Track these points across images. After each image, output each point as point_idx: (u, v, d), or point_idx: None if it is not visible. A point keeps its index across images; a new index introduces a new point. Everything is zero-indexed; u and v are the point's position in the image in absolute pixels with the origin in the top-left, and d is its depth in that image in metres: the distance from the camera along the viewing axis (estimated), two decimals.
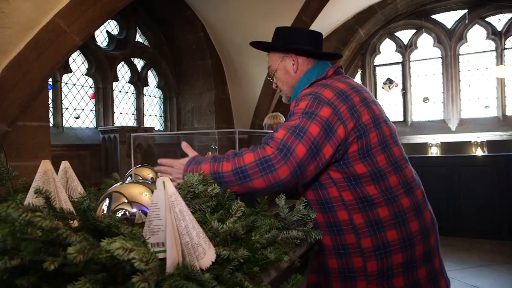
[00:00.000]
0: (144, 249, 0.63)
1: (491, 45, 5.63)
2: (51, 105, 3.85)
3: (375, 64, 6.33)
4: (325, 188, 1.25)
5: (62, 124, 4.03)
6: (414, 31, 6.07)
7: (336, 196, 1.23)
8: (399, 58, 6.17)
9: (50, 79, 3.76)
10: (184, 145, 1.35)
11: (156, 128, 5.24)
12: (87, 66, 4.37)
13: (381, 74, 6.29)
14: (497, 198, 4.82)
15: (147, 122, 5.18)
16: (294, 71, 1.43)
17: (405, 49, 6.11)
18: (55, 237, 0.63)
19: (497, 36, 5.55)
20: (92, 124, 4.43)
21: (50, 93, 3.85)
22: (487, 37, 5.64)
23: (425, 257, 1.25)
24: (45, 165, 0.98)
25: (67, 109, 4.12)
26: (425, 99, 5.98)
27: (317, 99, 1.20)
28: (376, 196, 1.21)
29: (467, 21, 5.65)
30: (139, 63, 5.09)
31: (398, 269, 1.21)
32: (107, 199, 0.98)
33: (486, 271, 3.78)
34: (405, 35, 6.14)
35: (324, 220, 1.25)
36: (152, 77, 5.33)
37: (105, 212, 0.95)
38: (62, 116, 4.03)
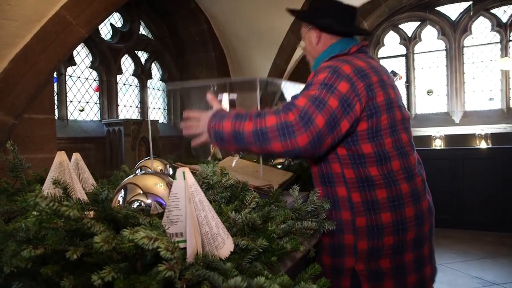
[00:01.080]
0: (167, 238, 0.63)
1: (496, 37, 5.59)
2: (56, 98, 3.86)
3: (379, 56, 6.30)
4: (329, 163, 1.27)
5: (67, 117, 4.03)
6: (418, 23, 6.02)
7: (338, 172, 1.26)
8: (403, 50, 6.14)
9: (55, 72, 3.76)
10: (210, 97, 1.36)
11: (160, 121, 5.23)
12: (91, 59, 4.36)
13: (385, 67, 6.25)
14: (501, 191, 4.82)
15: (151, 115, 5.18)
16: (316, 43, 1.45)
17: (409, 42, 6.07)
18: (79, 226, 0.64)
19: (502, 28, 5.51)
20: (97, 117, 4.44)
21: (55, 86, 3.85)
22: (492, 29, 5.60)
23: (415, 242, 1.28)
24: (61, 156, 0.98)
25: (71, 102, 4.13)
26: (429, 92, 5.95)
27: (336, 72, 1.20)
28: (377, 177, 1.23)
29: (471, 13, 5.61)
30: (142, 56, 5.08)
31: (387, 251, 1.24)
32: (122, 190, 0.98)
33: (489, 263, 3.79)
34: (409, 27, 6.10)
35: (323, 194, 1.27)
36: (155, 70, 5.32)
37: (120, 203, 0.96)
38: (67, 109, 4.03)
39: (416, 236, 1.27)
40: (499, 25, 5.53)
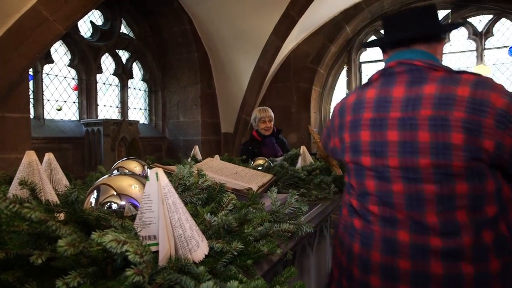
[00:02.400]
0: (137, 241, 0.61)
1: (472, 45, 5.74)
2: (31, 97, 3.74)
3: (360, 61, 6.37)
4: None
5: (43, 116, 3.92)
6: None
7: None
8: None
9: (31, 70, 3.65)
10: None
11: (141, 122, 5.16)
12: (69, 57, 4.26)
13: (367, 71, 6.34)
14: None
15: (132, 115, 5.10)
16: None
17: None
18: (43, 229, 0.60)
19: (477, 36, 5.66)
20: (75, 117, 4.33)
21: (31, 84, 3.74)
22: (468, 37, 5.74)
23: None
24: (30, 156, 0.94)
25: (48, 100, 4.02)
26: None
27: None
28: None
29: (450, 20, 5.74)
30: (123, 55, 4.99)
31: None
32: (95, 191, 0.95)
33: None
34: None
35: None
36: (137, 70, 5.24)
37: (93, 205, 0.93)
38: (43, 108, 3.92)
39: None
40: (475, 34, 5.68)
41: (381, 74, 1.19)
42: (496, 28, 5.59)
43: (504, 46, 5.49)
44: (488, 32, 5.62)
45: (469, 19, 5.73)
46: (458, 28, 1.26)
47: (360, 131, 1.16)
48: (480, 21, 5.67)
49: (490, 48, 5.63)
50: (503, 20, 5.53)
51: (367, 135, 1.14)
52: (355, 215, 1.21)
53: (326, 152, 1.52)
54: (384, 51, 1.27)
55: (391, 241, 1.10)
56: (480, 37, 5.64)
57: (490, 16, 5.59)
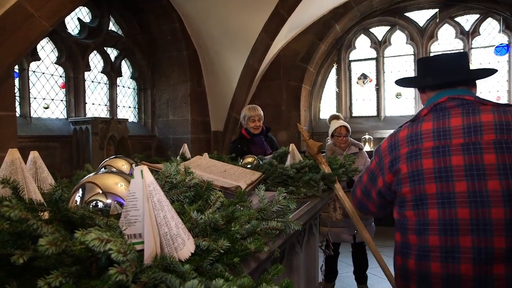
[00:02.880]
0: (121, 240, 0.60)
1: (460, 44, 5.81)
2: (17, 94, 3.68)
3: (350, 59, 6.41)
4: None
5: (30, 114, 3.86)
6: (388, 27, 6.18)
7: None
8: (373, 54, 6.28)
9: (16, 67, 3.59)
10: None
11: (130, 120, 5.11)
12: (57, 54, 4.20)
13: (356, 69, 6.38)
14: None
15: (121, 114, 5.05)
16: (423, 103, 1.46)
17: (379, 45, 6.22)
18: (24, 228, 0.59)
19: (464, 35, 5.74)
20: (63, 115, 4.27)
21: (17, 81, 3.67)
22: (456, 36, 5.82)
23: None
24: (13, 154, 0.92)
25: (35, 98, 3.95)
26: (398, 95, 6.12)
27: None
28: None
29: (438, 19, 5.81)
30: (112, 53, 4.94)
31: None
32: (80, 190, 0.93)
33: None
34: (379, 32, 6.25)
35: None
36: (126, 68, 5.19)
37: (78, 203, 0.91)
38: (29, 106, 3.86)
39: None
40: (462, 33, 5.76)
41: (431, 109, 1.30)
42: (482, 28, 5.67)
43: (490, 46, 5.57)
44: (475, 31, 5.70)
45: (456, 19, 5.80)
46: (493, 74, 1.39)
47: (421, 159, 1.22)
48: (467, 21, 5.75)
49: (476, 48, 5.71)
50: (489, 19, 5.61)
51: (430, 163, 1.20)
52: (410, 254, 1.24)
53: (364, 205, 1.51)
54: (423, 91, 1.43)
55: (453, 277, 1.15)
56: (467, 36, 5.72)
57: (476, 16, 5.67)
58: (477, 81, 1.45)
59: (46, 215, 0.85)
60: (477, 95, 1.33)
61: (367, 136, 5.84)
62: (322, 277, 2.73)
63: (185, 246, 0.73)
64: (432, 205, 1.19)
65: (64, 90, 4.29)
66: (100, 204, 0.91)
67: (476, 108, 1.22)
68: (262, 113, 3.28)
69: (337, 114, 3.57)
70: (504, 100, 5.51)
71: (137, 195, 0.71)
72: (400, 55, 6.15)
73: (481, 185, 1.13)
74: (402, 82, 1.57)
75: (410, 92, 6.05)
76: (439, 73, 1.35)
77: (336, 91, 6.40)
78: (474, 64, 5.58)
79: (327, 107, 6.48)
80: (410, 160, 1.24)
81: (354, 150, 3.35)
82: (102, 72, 4.80)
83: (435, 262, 1.17)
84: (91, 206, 0.90)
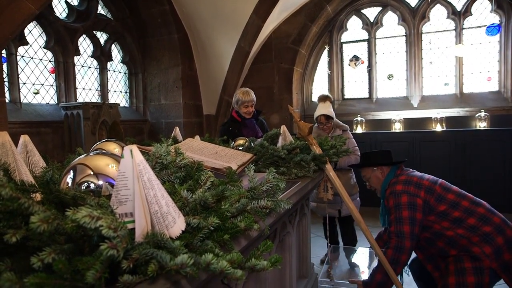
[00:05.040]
0: (112, 217, 0.61)
1: (451, 24, 5.80)
2: (6, 80, 3.63)
3: (342, 41, 6.38)
4: None
5: (20, 99, 3.82)
6: (380, 8, 6.13)
7: None
8: (365, 35, 6.25)
9: (4, 52, 3.53)
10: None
11: (121, 105, 5.08)
12: (45, 39, 4.12)
13: (348, 51, 6.36)
14: (453, 172, 5.09)
15: (112, 99, 5.01)
16: (383, 177, 2.38)
17: (371, 27, 6.18)
18: (16, 207, 0.61)
19: (456, 16, 5.73)
20: (53, 100, 4.23)
21: (5, 66, 3.62)
22: (448, 17, 5.80)
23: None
24: (3, 137, 0.93)
25: (24, 84, 3.90)
26: (390, 76, 6.12)
27: (410, 194, 2.16)
28: (477, 226, 2.13)
29: (429, 0, 5.78)
30: (102, 37, 4.87)
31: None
32: (72, 171, 0.94)
33: None
34: (371, 13, 6.20)
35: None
36: (116, 52, 5.12)
37: (69, 185, 0.92)
38: (19, 91, 3.81)
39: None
40: (454, 13, 5.74)
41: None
42: (474, 7, 5.65)
43: (482, 26, 5.57)
44: (466, 11, 5.68)
45: None
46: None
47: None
48: (459, 1, 5.72)
49: (468, 28, 5.71)
50: None
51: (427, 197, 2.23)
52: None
53: None
54: (387, 165, 2.43)
55: None
56: (458, 16, 5.71)
57: None
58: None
59: (38, 196, 0.86)
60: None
61: (359, 118, 5.87)
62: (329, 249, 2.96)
63: (175, 224, 0.75)
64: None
65: (54, 75, 4.24)
66: (92, 185, 0.92)
67: None
68: (255, 97, 3.27)
69: (326, 95, 3.59)
70: (495, 80, 5.56)
71: (127, 175, 0.72)
72: (392, 36, 6.13)
73: None
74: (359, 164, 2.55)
75: (402, 74, 6.06)
76: (391, 157, 2.44)
77: (328, 73, 6.39)
78: (465, 44, 5.59)
79: (319, 89, 6.47)
80: (427, 193, 2.24)
81: (338, 133, 3.43)
82: (92, 56, 4.74)
83: None
84: (82, 188, 0.92)
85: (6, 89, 3.50)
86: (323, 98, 3.53)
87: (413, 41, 5.95)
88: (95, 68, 4.81)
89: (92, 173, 0.94)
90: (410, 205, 2.10)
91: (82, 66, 4.60)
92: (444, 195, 2.13)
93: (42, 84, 4.11)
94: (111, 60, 4.99)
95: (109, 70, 4.96)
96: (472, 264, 1.94)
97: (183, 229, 0.77)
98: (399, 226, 2.09)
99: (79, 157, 1.00)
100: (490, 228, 1.99)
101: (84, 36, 4.60)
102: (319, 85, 6.50)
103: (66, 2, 4.38)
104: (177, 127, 2.21)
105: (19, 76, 3.81)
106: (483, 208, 2.08)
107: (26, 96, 3.93)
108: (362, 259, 3.17)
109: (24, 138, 1.23)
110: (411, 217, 2.08)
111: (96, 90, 4.81)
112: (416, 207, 2.09)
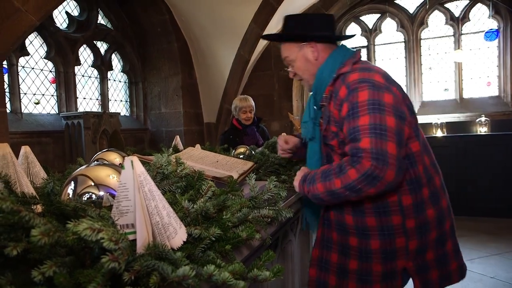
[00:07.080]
0: (113, 229, 0.61)
1: (450, 30, 5.83)
2: (7, 90, 3.65)
3: None
4: None
5: (21, 110, 3.83)
6: (378, 15, 6.17)
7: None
8: (364, 42, 6.28)
9: (5, 62, 3.55)
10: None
11: (122, 114, 5.09)
12: (46, 49, 4.15)
13: None
14: (455, 178, 5.08)
15: (112, 108, 5.02)
16: (315, 59, 1.38)
17: (370, 33, 6.22)
18: (17, 220, 0.60)
19: (454, 21, 5.76)
20: (54, 110, 4.24)
21: (6, 77, 3.63)
22: (446, 23, 5.83)
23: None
24: (3, 148, 0.93)
25: (25, 94, 3.92)
26: None
27: (375, 86, 1.20)
28: (422, 175, 1.32)
29: (427, 6, 5.81)
30: (102, 46, 4.89)
31: (431, 246, 1.33)
32: (72, 182, 0.94)
33: None
34: (370, 20, 6.24)
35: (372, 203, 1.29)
36: (116, 61, 5.15)
37: (70, 196, 0.92)
38: (20, 101, 3.82)
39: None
40: (452, 19, 5.78)
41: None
42: (472, 13, 5.69)
43: (480, 31, 5.59)
44: (464, 17, 5.71)
45: (446, 5, 5.81)
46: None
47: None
48: (457, 7, 5.76)
49: (467, 33, 5.74)
50: (479, 5, 5.63)
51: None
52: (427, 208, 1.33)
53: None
54: (327, 44, 1.45)
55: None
56: (457, 22, 5.74)
57: (466, 1, 5.69)
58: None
59: (39, 208, 0.86)
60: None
61: None
62: None
63: (177, 234, 0.74)
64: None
65: (54, 85, 4.25)
66: (93, 196, 0.92)
67: None
68: (253, 104, 3.28)
69: None
70: (494, 85, 5.56)
71: (128, 186, 0.72)
72: (391, 43, 6.16)
73: None
74: (270, 36, 1.64)
75: (401, 80, 6.07)
76: (334, 29, 1.50)
77: None
78: (464, 50, 5.62)
79: None
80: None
81: None
82: (92, 66, 4.76)
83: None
84: (83, 199, 0.91)
85: (7, 99, 3.52)
86: None
87: (412, 47, 5.97)
88: (96, 78, 4.83)
89: (93, 184, 0.94)
90: (390, 107, 1.18)
91: (83, 76, 4.63)
92: (419, 133, 1.39)
93: (43, 94, 4.13)
94: (112, 69, 5.01)
95: (109, 80, 4.98)
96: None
97: (185, 240, 0.76)
98: (377, 141, 1.12)
99: (80, 168, 1.00)
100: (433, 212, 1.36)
101: (85, 46, 4.63)
102: None
103: (67, 13, 4.42)
104: (178, 136, 2.21)
105: (20, 86, 3.82)
106: (439, 180, 1.45)
107: (27, 106, 3.94)
108: None
109: (25, 149, 1.23)
110: (396, 126, 1.16)
111: (97, 99, 4.82)
112: (399, 109, 1.21)
